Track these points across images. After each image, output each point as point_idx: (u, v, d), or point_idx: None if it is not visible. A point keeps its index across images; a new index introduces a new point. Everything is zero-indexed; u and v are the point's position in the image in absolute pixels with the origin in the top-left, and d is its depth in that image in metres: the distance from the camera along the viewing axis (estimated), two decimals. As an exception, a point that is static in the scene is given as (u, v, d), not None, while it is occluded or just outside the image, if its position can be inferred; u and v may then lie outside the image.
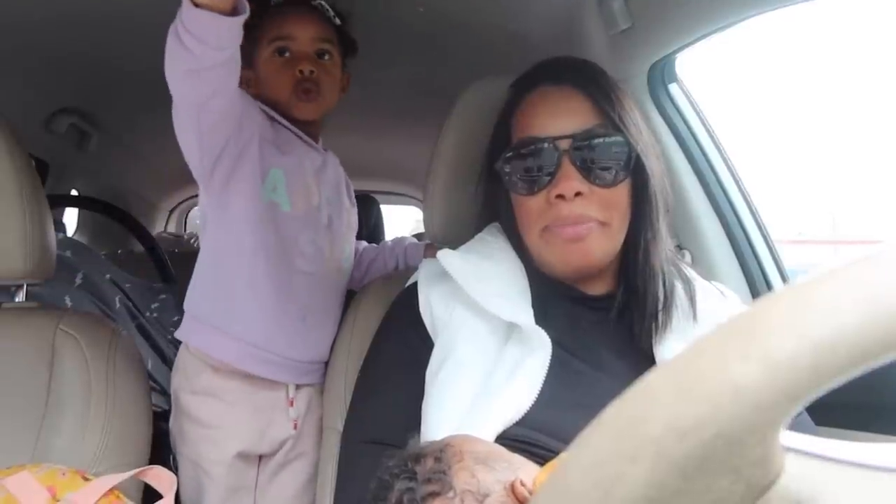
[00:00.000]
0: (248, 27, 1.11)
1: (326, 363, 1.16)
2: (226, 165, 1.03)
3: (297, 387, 1.13)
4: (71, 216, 2.40)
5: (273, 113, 1.10)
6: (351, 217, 1.25)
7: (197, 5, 0.79)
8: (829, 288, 0.29)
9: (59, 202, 2.05)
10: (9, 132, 1.01)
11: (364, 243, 1.35)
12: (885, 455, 0.34)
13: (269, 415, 1.11)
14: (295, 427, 1.13)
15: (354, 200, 1.29)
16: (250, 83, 1.12)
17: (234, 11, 0.82)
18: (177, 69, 0.87)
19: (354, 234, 1.26)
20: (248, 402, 1.10)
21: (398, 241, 1.33)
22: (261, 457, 1.14)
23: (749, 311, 0.30)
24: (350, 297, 1.08)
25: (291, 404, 1.12)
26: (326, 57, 1.12)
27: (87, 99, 1.75)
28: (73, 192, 2.19)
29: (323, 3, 1.14)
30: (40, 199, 1.04)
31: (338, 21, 1.15)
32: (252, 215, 1.06)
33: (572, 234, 0.79)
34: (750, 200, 1.24)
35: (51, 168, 1.97)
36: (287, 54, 1.10)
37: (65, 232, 2.21)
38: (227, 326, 1.08)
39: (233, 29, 0.83)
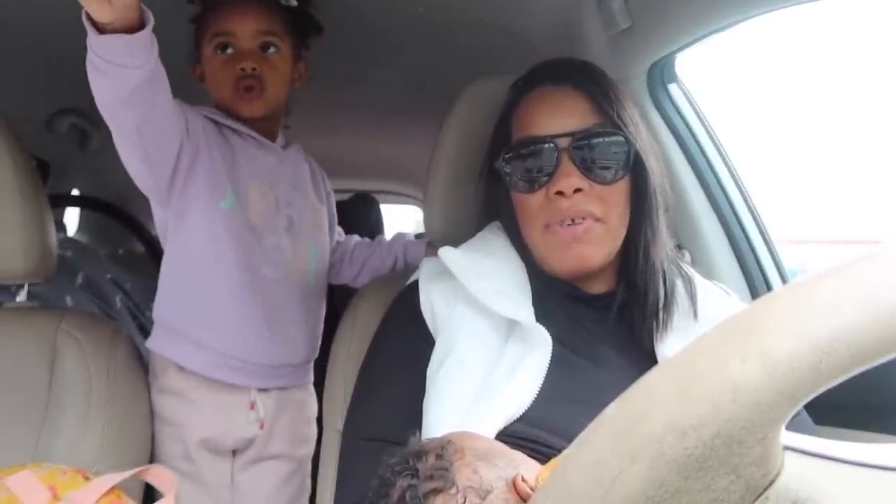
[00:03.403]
0: (194, 22, 1.10)
1: (301, 366, 1.17)
2: (181, 178, 1.03)
3: (262, 390, 1.12)
4: (72, 216, 2.40)
5: (218, 117, 1.09)
6: (317, 215, 1.21)
7: (102, 31, 0.79)
8: (828, 287, 0.29)
9: (60, 202, 2.04)
10: (9, 132, 1.01)
11: (356, 237, 1.33)
12: (883, 454, 0.34)
13: (230, 415, 1.11)
14: (261, 427, 1.12)
15: (326, 195, 1.26)
16: (203, 78, 1.11)
17: (140, 25, 0.81)
18: (104, 98, 0.87)
19: (325, 231, 1.24)
20: (211, 401, 1.09)
21: (397, 238, 1.31)
22: (234, 452, 1.14)
23: (748, 311, 0.30)
24: (349, 298, 1.08)
25: (252, 407, 1.11)
26: (272, 50, 1.08)
27: (87, 99, 1.75)
28: (75, 192, 2.19)
29: None
30: (41, 199, 1.05)
31: (293, 3, 1.10)
32: (210, 224, 1.06)
33: (571, 236, 0.79)
34: (749, 200, 1.24)
35: (52, 168, 1.97)
36: (229, 50, 1.07)
37: (66, 232, 2.21)
38: (191, 332, 1.08)
39: (143, 43, 0.82)
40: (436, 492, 0.54)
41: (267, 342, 1.10)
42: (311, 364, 1.22)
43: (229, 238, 1.06)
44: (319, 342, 1.22)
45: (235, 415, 1.11)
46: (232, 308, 1.08)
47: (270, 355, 1.11)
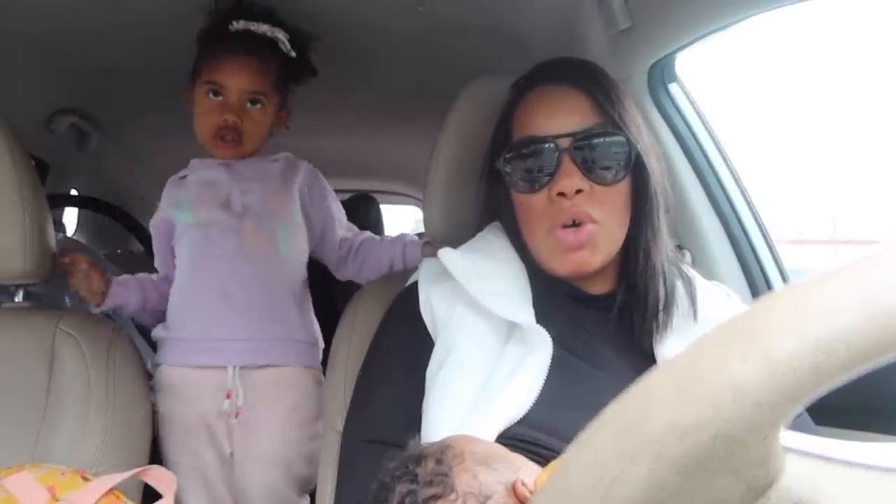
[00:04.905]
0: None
1: (277, 342, 1.21)
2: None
3: (237, 370, 1.16)
4: (71, 216, 2.40)
5: (187, 171, 1.26)
6: (281, 201, 1.24)
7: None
8: (829, 288, 0.29)
9: (59, 202, 2.04)
10: (9, 132, 1.01)
11: (367, 233, 1.34)
12: (884, 455, 0.34)
13: (209, 395, 1.16)
14: (236, 416, 1.17)
15: (308, 191, 1.28)
16: (192, 106, 1.20)
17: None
18: None
19: (296, 218, 1.25)
20: (190, 395, 1.17)
21: (399, 238, 1.31)
22: (230, 449, 1.19)
23: (749, 312, 0.30)
24: (349, 296, 1.07)
25: (228, 396, 1.16)
26: (257, 105, 1.17)
27: (86, 99, 1.75)
28: (73, 192, 2.19)
29: (278, 35, 1.16)
30: (40, 199, 1.05)
31: (292, 53, 1.18)
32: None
33: (573, 242, 0.79)
34: (750, 200, 1.24)
35: (51, 168, 1.97)
36: (219, 97, 1.16)
37: (65, 232, 2.21)
38: (174, 333, 1.20)
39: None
40: (435, 497, 0.53)
41: (227, 314, 1.17)
42: (296, 343, 1.24)
43: (184, 248, 1.22)
44: (300, 322, 1.25)
45: (213, 394, 1.16)
46: (191, 291, 1.20)
47: (235, 328, 1.17)
